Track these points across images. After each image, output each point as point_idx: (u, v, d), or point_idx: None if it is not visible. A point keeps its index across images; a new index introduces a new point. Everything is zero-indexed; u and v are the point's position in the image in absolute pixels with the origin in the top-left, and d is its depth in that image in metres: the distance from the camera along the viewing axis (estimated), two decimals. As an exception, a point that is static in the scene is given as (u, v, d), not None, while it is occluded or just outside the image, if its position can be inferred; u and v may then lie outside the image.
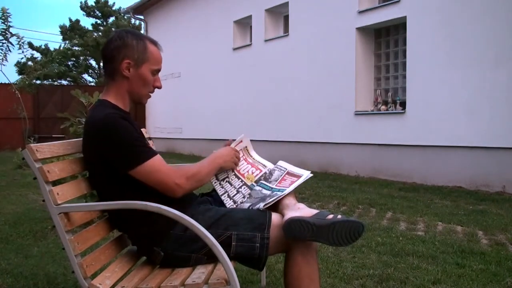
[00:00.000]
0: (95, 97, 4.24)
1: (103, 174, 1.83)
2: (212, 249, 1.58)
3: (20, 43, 9.90)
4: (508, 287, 2.73)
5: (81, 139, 1.93)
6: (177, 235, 1.81)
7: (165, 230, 1.82)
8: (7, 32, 9.32)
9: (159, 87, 1.97)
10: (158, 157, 1.82)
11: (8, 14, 9.20)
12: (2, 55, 9.58)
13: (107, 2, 24.87)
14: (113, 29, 22.71)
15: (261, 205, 1.87)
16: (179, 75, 14.36)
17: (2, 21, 9.21)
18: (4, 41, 9.43)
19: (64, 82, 22.63)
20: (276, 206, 1.94)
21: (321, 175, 8.30)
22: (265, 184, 2.04)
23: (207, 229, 1.63)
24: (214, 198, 2.11)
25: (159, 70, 1.96)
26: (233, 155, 2.07)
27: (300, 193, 6.07)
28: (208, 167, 1.95)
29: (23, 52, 10.13)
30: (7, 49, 9.53)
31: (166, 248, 1.83)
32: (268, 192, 1.97)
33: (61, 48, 19.10)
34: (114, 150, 1.76)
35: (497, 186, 6.30)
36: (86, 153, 1.88)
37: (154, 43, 1.96)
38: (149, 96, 1.99)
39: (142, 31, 17.08)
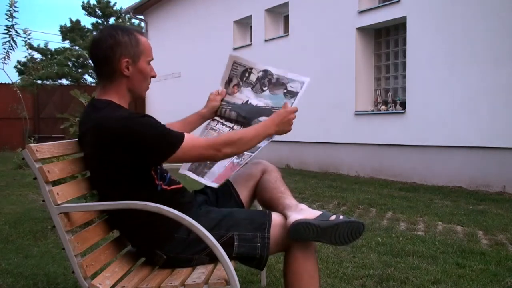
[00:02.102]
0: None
1: (112, 175, 1.76)
2: (212, 250, 1.58)
3: (27, 39, 9.67)
4: (508, 287, 2.73)
5: None
6: (181, 238, 1.80)
7: (168, 233, 1.79)
8: (11, 29, 9.08)
9: (155, 76, 1.93)
10: (187, 136, 1.78)
11: (15, 9, 8.93)
12: (5, 53, 9.39)
13: (109, 2, 24.84)
14: None
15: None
16: (179, 75, 14.35)
17: (8, 16, 9.00)
18: (8, 39, 9.20)
19: (65, 82, 22.60)
20: (276, 206, 1.94)
21: (321, 175, 8.30)
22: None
23: (210, 230, 1.62)
24: (208, 196, 2.10)
25: (152, 59, 1.92)
26: (291, 119, 2.01)
27: (300, 193, 6.08)
28: (252, 138, 1.96)
29: (27, 48, 9.87)
30: (10, 47, 9.28)
31: (169, 251, 1.81)
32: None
33: (68, 52, 18.97)
34: (147, 147, 1.71)
35: (497, 186, 6.30)
36: (97, 154, 1.76)
37: (142, 33, 1.91)
38: (148, 89, 1.95)
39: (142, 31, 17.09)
